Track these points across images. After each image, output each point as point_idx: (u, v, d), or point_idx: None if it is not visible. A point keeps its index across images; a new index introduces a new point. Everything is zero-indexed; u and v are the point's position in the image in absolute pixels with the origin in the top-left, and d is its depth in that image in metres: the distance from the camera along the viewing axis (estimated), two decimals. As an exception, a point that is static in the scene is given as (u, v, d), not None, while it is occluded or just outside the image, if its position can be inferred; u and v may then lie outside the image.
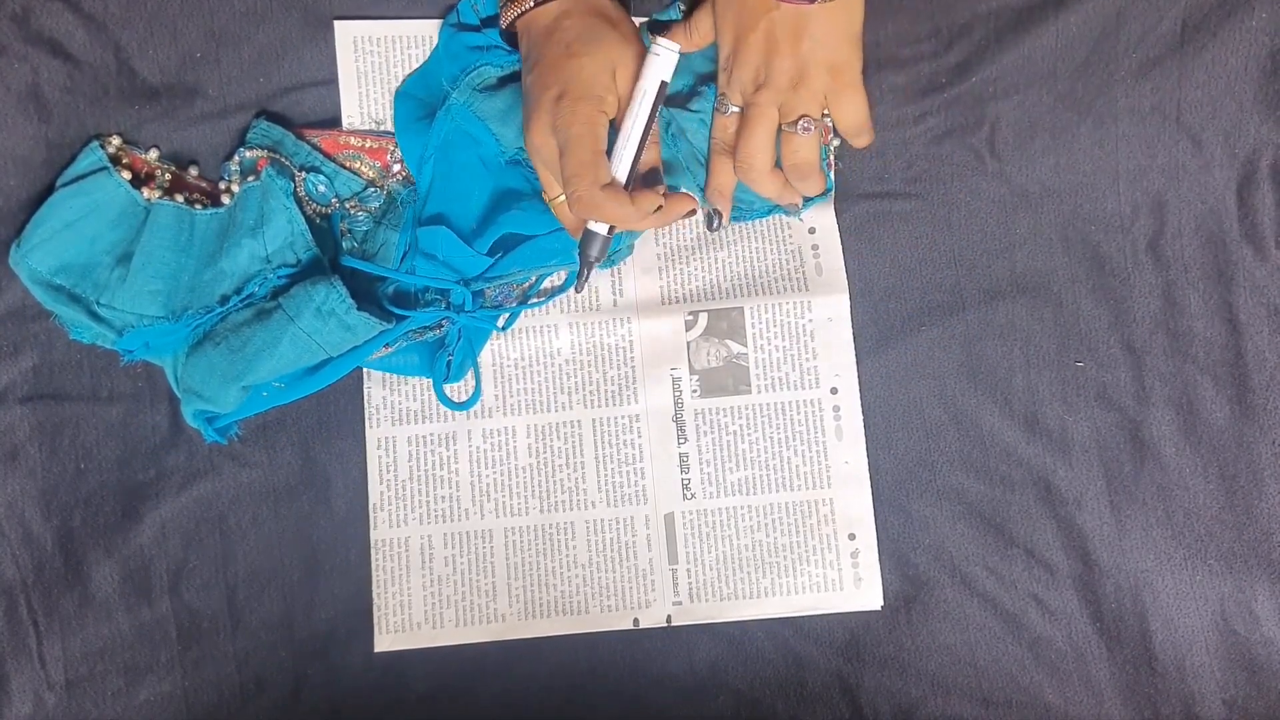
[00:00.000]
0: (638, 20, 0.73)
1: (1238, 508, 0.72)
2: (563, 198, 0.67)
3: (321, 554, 0.71)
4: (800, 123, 0.66)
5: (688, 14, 0.71)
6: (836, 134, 0.72)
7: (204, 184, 0.72)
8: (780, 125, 0.67)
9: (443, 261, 0.70)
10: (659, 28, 0.71)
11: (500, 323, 0.72)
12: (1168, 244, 0.73)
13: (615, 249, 0.72)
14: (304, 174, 0.71)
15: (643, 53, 0.66)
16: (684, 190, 0.71)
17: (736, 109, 0.68)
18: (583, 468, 0.72)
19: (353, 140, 0.72)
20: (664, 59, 0.65)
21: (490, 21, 0.71)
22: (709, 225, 0.71)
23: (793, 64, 0.65)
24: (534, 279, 0.73)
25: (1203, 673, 0.71)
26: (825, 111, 0.67)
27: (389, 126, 0.73)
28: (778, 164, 0.69)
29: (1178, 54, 0.73)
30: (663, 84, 0.65)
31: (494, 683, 0.71)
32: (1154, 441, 0.72)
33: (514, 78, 0.71)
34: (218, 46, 0.72)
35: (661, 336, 0.73)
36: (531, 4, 0.65)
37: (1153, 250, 0.73)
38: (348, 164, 0.72)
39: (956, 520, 0.72)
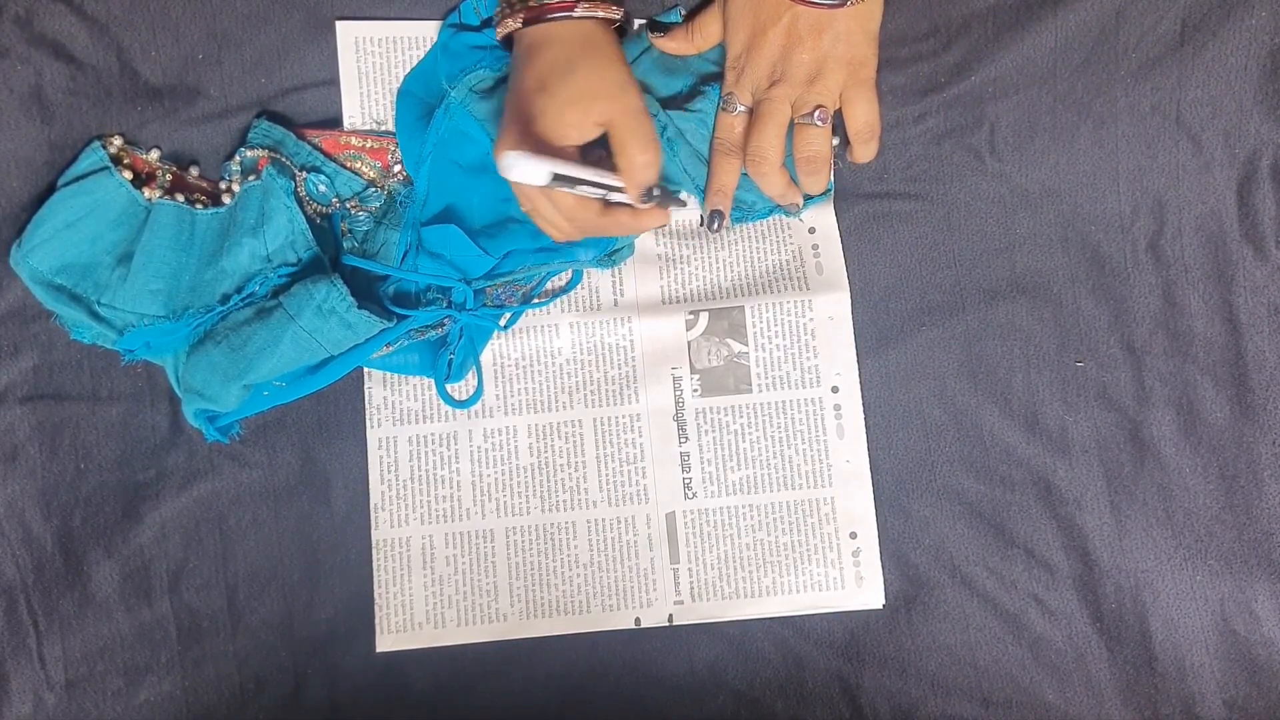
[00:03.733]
0: (637, 22, 0.73)
1: (1238, 508, 0.72)
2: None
3: (321, 554, 0.71)
4: (816, 114, 0.66)
5: (689, 17, 0.71)
6: (837, 134, 0.72)
7: (205, 184, 0.72)
8: (793, 119, 0.67)
9: (448, 261, 0.70)
10: (658, 28, 0.72)
11: (502, 322, 0.72)
12: (1168, 244, 0.73)
13: (618, 248, 0.72)
14: (305, 174, 0.71)
15: (627, 76, 0.64)
16: (683, 194, 0.71)
17: (744, 108, 0.68)
18: (584, 467, 0.72)
19: (354, 140, 0.73)
20: (517, 169, 0.59)
21: (491, 22, 0.71)
22: (710, 226, 0.71)
23: (812, 59, 0.65)
24: (537, 280, 0.73)
25: (1203, 673, 0.71)
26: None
27: (390, 127, 0.73)
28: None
29: (1177, 54, 0.73)
30: (558, 176, 0.61)
31: (495, 682, 0.71)
32: (1154, 441, 0.72)
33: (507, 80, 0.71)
34: (219, 47, 0.73)
35: (662, 336, 0.73)
36: (520, 24, 0.65)
37: (1153, 250, 0.73)
38: (348, 164, 0.72)
39: (956, 520, 0.72)
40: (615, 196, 0.65)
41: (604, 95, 0.63)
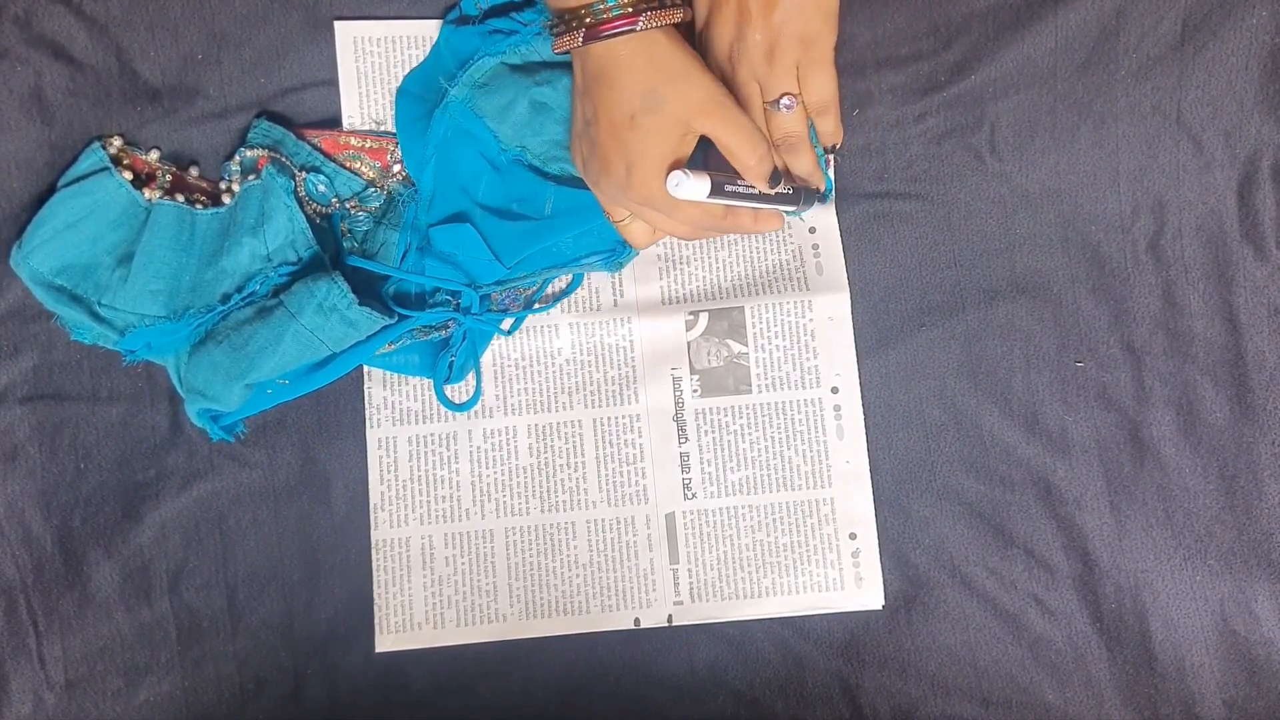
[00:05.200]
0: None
1: (1238, 508, 0.72)
2: (627, 219, 0.68)
3: (321, 554, 0.71)
4: (782, 100, 0.66)
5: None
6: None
7: (205, 184, 0.72)
8: (764, 104, 0.67)
9: (457, 263, 0.70)
10: None
11: (505, 326, 0.72)
12: (1168, 244, 0.73)
13: (623, 255, 0.72)
14: (304, 174, 0.71)
15: (710, 84, 0.63)
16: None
17: None
18: (583, 467, 0.72)
19: (353, 140, 0.72)
20: (684, 188, 0.62)
21: (493, 11, 0.71)
22: None
23: (764, 35, 0.64)
24: (539, 283, 0.73)
25: (1203, 673, 0.71)
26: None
27: (389, 127, 0.73)
28: None
29: (1178, 53, 0.73)
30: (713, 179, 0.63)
31: (494, 683, 0.71)
32: (1154, 441, 0.72)
33: (514, 68, 0.71)
34: (219, 48, 0.73)
35: (662, 336, 0.73)
36: (580, 42, 0.62)
37: (1153, 250, 0.73)
38: (348, 164, 0.72)
39: (956, 520, 0.72)
40: (760, 203, 0.66)
41: (696, 115, 0.62)
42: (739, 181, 0.65)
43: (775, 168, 0.64)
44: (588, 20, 0.61)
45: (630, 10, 0.60)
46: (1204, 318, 0.73)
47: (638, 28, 0.60)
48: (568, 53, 0.64)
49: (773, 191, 0.66)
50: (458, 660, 0.71)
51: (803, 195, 0.69)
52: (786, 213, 0.70)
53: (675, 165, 0.62)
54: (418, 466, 0.72)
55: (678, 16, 0.62)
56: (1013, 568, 0.72)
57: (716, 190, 0.62)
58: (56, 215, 0.69)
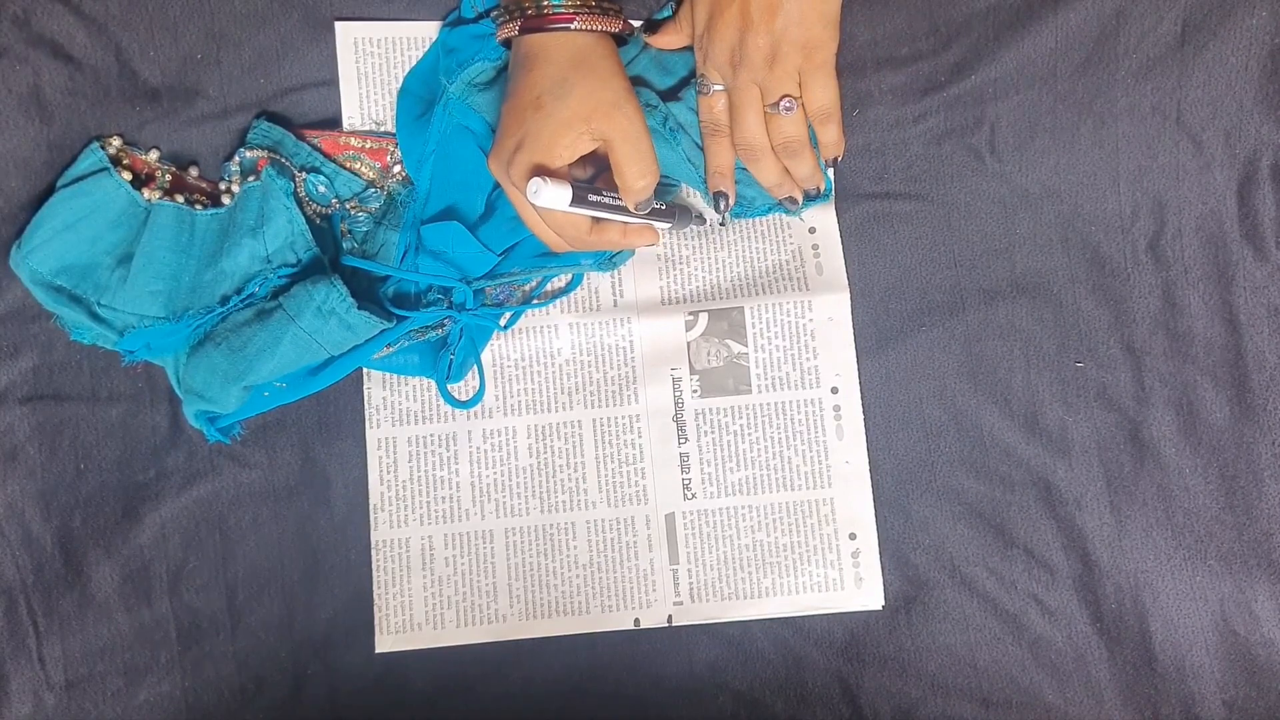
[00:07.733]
0: (634, 23, 0.73)
1: (1238, 508, 0.72)
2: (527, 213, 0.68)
3: (321, 554, 0.71)
4: (782, 103, 0.67)
5: (677, 7, 0.71)
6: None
7: (204, 184, 0.72)
8: (764, 107, 0.67)
9: (449, 259, 0.70)
10: (652, 26, 0.72)
11: (502, 321, 0.72)
12: (1168, 244, 0.73)
13: (616, 256, 0.72)
14: (304, 174, 0.71)
15: (623, 93, 0.65)
16: (682, 196, 0.71)
17: (719, 87, 0.68)
18: (583, 468, 0.72)
19: (353, 141, 0.72)
20: (543, 196, 0.62)
21: (488, 15, 0.71)
22: (716, 208, 0.71)
23: (766, 41, 0.65)
24: (537, 281, 0.73)
25: (1203, 673, 0.71)
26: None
27: (389, 127, 0.73)
28: None
29: (1178, 54, 0.73)
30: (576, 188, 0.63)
31: (494, 683, 0.71)
32: (1154, 441, 0.72)
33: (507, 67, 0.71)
34: (218, 47, 0.73)
35: (662, 336, 0.73)
36: (516, 31, 0.65)
37: (1153, 250, 0.73)
38: (348, 165, 0.72)
39: (956, 520, 0.72)
40: (630, 218, 0.67)
41: (599, 115, 0.64)
42: (606, 194, 0.65)
43: (649, 200, 0.66)
44: (529, 12, 0.65)
45: (570, 10, 0.64)
46: (1204, 318, 0.73)
47: (572, 27, 0.64)
48: (507, 42, 0.67)
49: (639, 216, 0.67)
50: (458, 660, 0.71)
51: (677, 213, 0.70)
52: (662, 228, 0.71)
53: (539, 172, 0.63)
54: (417, 467, 0.72)
55: (614, 26, 0.66)
56: (1013, 568, 0.72)
57: (579, 200, 0.63)
58: (56, 215, 0.69)
